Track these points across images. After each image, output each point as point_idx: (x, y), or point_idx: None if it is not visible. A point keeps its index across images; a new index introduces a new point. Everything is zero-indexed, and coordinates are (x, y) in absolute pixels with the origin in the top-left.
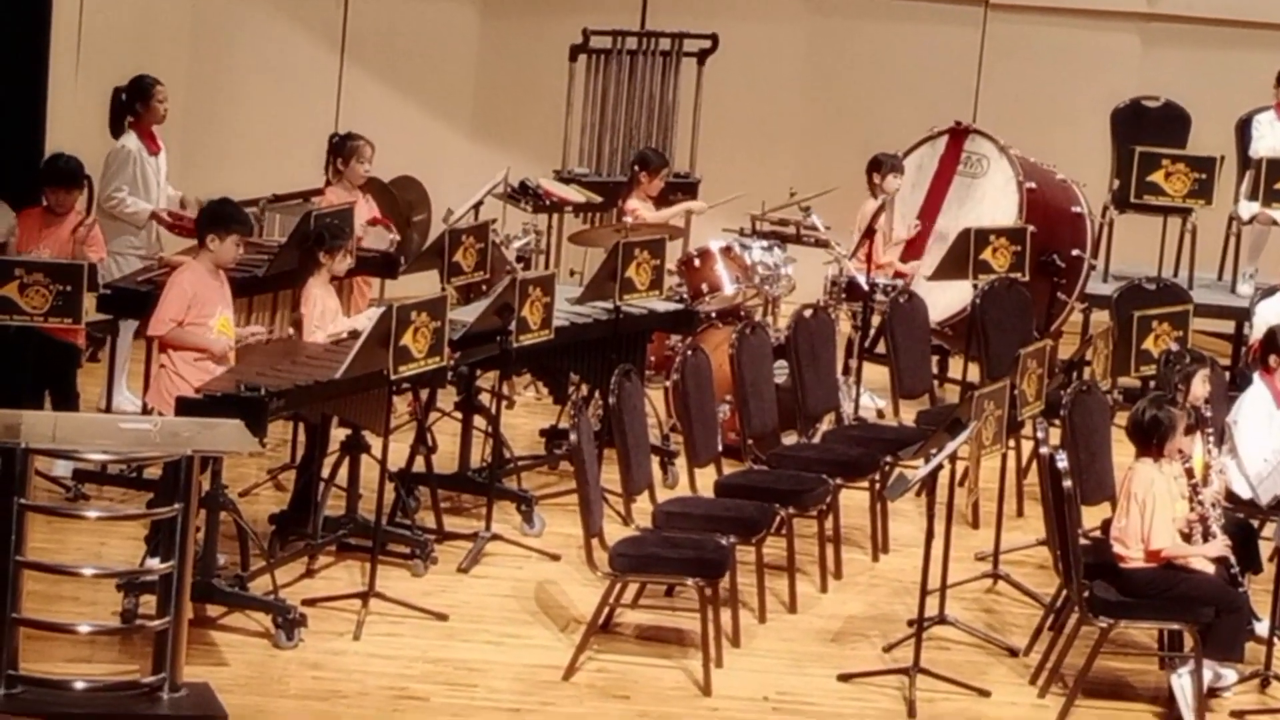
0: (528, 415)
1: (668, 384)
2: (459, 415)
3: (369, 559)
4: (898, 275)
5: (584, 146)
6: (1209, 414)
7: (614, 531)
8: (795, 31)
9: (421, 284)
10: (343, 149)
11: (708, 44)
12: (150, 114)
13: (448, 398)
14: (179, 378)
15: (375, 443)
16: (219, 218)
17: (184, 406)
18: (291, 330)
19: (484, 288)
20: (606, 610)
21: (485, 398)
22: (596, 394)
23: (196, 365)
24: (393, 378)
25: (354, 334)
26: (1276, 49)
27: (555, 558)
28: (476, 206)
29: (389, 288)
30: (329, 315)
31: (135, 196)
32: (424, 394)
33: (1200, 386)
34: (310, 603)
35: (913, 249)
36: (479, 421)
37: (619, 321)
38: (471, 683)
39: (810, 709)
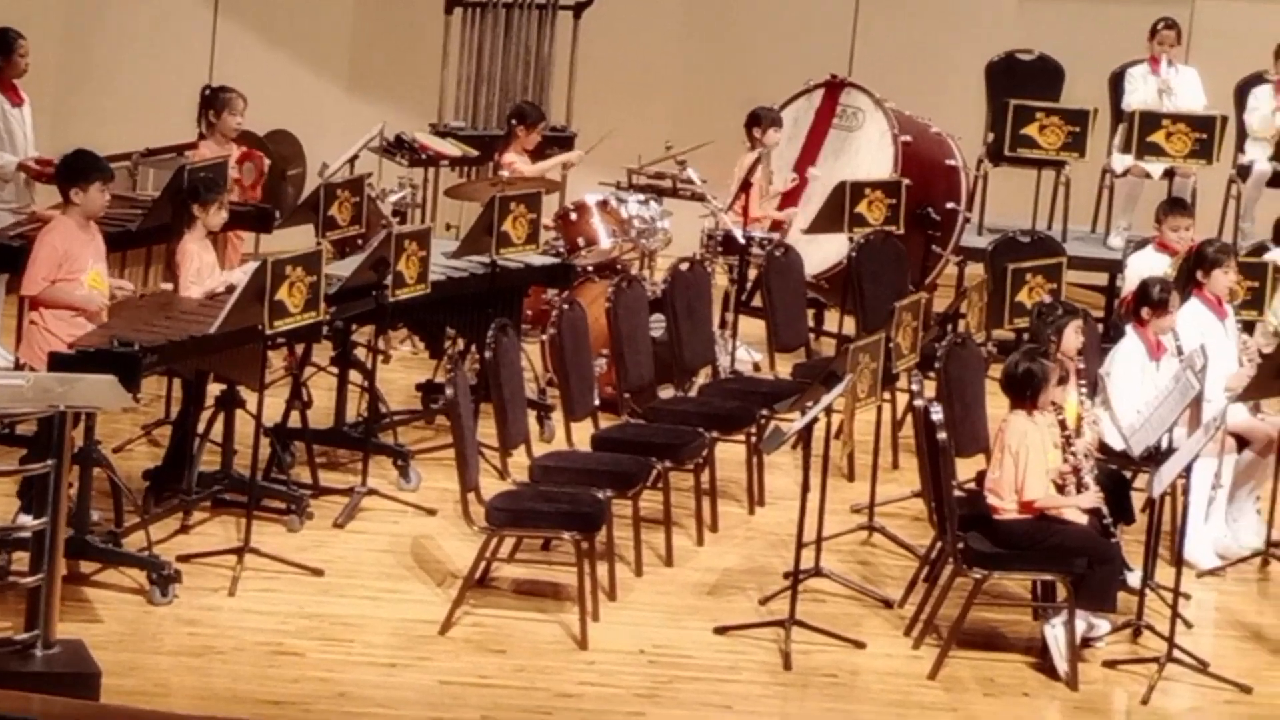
0: (404, 370)
1: (544, 338)
2: (335, 370)
3: (244, 515)
4: (774, 226)
5: (460, 100)
6: (1081, 365)
7: (490, 486)
8: None
9: (296, 238)
10: (214, 102)
11: None
12: (11, 67)
13: (323, 352)
14: (50, 334)
15: (250, 398)
16: (77, 168)
17: (57, 362)
18: (168, 287)
19: (359, 242)
20: (483, 565)
21: (361, 352)
22: (473, 348)
23: (69, 320)
24: (268, 333)
25: (229, 289)
26: (1149, 3)
27: (431, 512)
28: (352, 160)
29: (263, 242)
30: (205, 270)
31: (1, 150)
32: (299, 349)
33: (1072, 338)
34: (185, 559)
35: (789, 200)
36: (355, 376)
37: (495, 276)
38: (348, 638)
39: (687, 662)
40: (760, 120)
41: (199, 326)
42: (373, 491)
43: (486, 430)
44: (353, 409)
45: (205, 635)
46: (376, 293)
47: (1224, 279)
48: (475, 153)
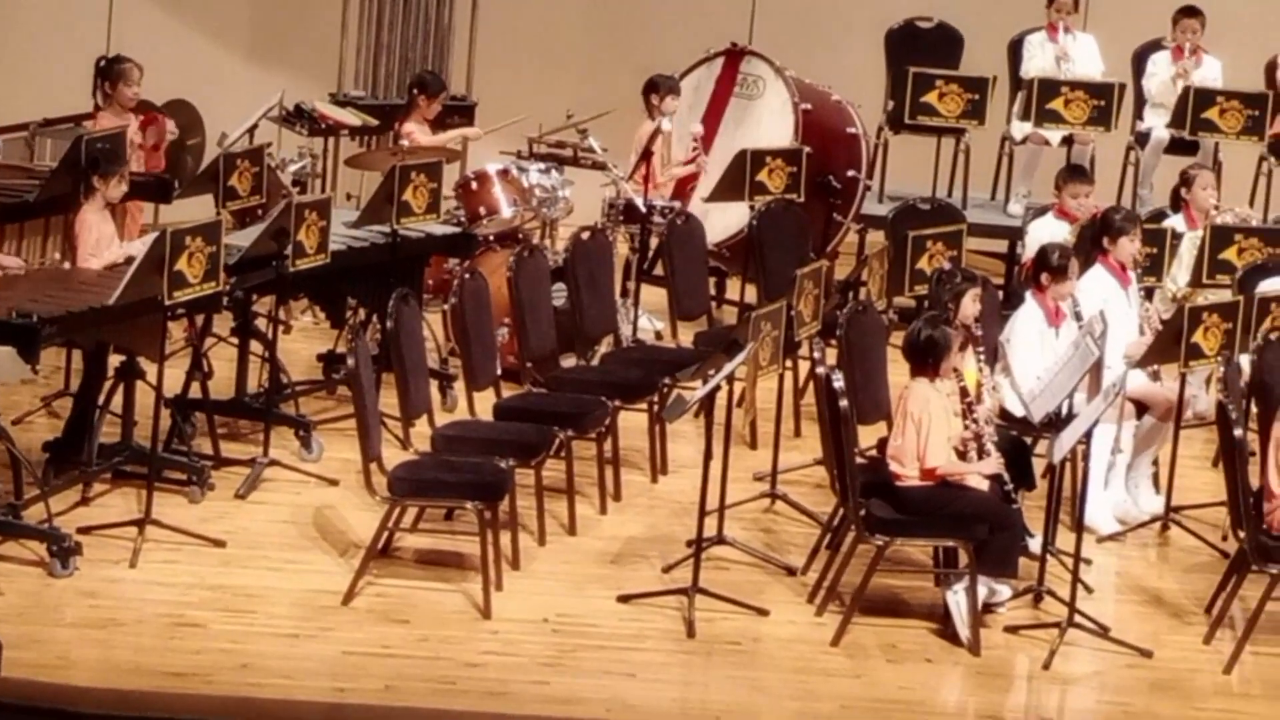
0: (305, 340)
1: (446, 308)
2: (235, 341)
3: (145, 486)
4: (677, 191)
5: (360, 69)
6: (979, 332)
7: (393, 456)
8: None
9: (196, 209)
10: (110, 72)
11: None
12: None
13: (224, 323)
14: None
15: (150, 369)
16: None
17: None
18: (58, 256)
19: (260, 212)
20: (385, 534)
21: (262, 323)
22: (374, 318)
23: None
24: (167, 303)
25: (129, 260)
26: None
27: (334, 483)
28: (251, 130)
29: (163, 212)
30: (105, 242)
31: None
32: (200, 319)
33: (970, 305)
34: (85, 531)
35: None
36: (255, 347)
37: (396, 245)
38: (250, 609)
39: (590, 630)
40: (658, 88)
41: (98, 297)
42: (274, 462)
43: (388, 400)
44: (254, 380)
45: (106, 607)
46: (277, 263)
47: (1129, 246)
48: (375, 122)
